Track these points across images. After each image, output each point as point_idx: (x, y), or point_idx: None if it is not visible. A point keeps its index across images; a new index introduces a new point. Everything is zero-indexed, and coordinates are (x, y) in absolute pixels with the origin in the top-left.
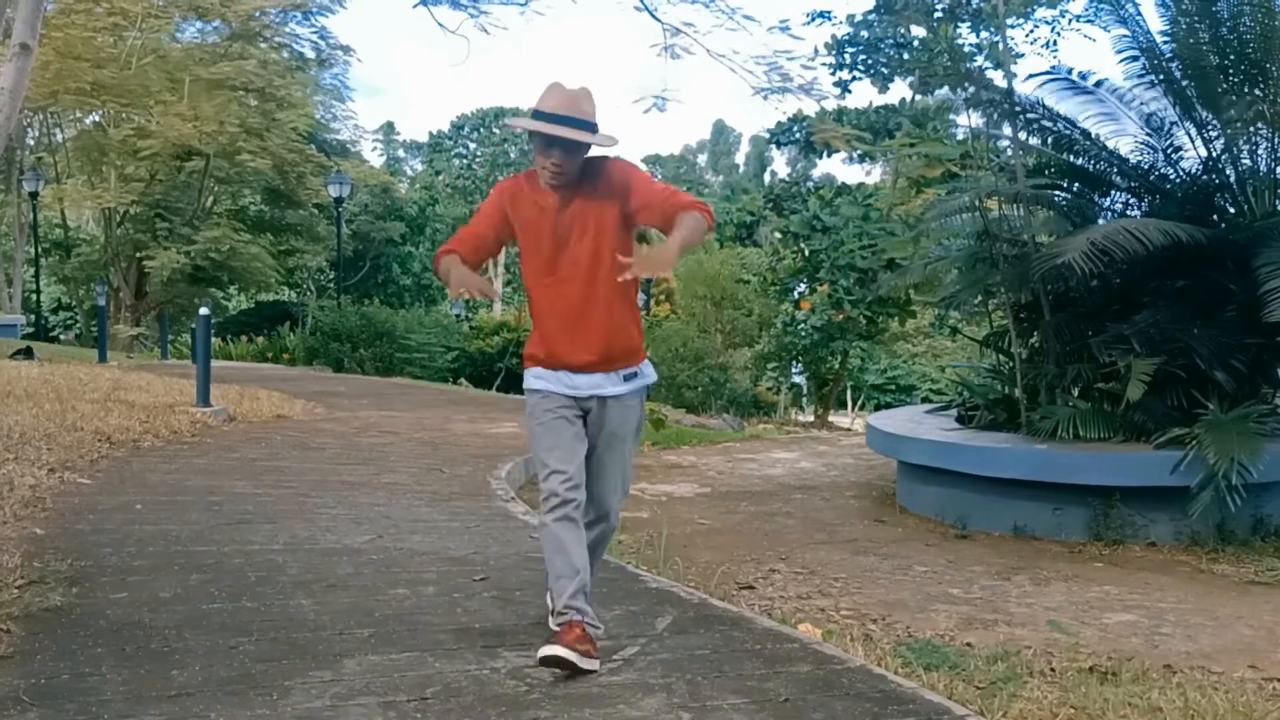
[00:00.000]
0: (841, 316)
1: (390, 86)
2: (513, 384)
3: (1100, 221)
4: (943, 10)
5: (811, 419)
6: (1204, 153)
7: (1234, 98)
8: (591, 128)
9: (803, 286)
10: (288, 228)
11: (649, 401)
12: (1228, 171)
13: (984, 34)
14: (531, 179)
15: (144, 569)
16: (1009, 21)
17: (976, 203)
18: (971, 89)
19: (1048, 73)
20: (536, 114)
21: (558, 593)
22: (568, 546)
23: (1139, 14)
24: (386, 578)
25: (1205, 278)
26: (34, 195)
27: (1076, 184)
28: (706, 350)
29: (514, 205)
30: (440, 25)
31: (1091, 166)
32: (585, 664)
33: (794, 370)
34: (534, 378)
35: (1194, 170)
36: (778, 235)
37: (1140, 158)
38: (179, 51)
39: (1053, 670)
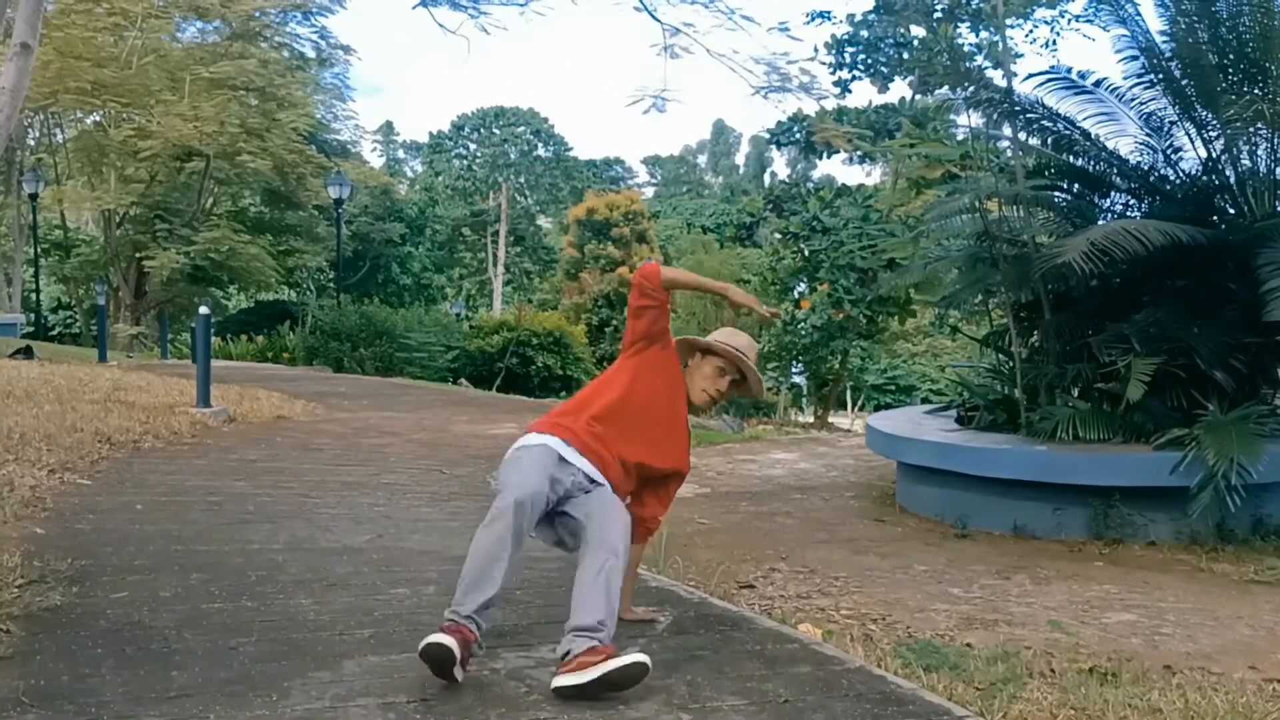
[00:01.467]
0: (841, 315)
1: (390, 86)
2: (513, 384)
3: (1100, 222)
4: (942, 10)
5: (811, 420)
6: (1204, 153)
7: (1233, 97)
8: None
9: (802, 286)
10: (287, 228)
11: None
12: (1227, 172)
13: (983, 33)
14: (675, 358)
15: (144, 569)
16: (1008, 21)
17: (976, 203)
18: (971, 89)
19: (1047, 72)
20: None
21: (454, 604)
22: (478, 563)
23: (1138, 13)
24: (386, 577)
25: (1205, 278)
26: (34, 197)
27: (1076, 185)
28: None
29: (668, 352)
30: (440, 25)
31: (1091, 167)
32: (455, 672)
33: (794, 370)
34: (540, 438)
35: (1194, 171)
36: (777, 236)
37: (1140, 158)
38: (179, 51)
39: (1053, 671)
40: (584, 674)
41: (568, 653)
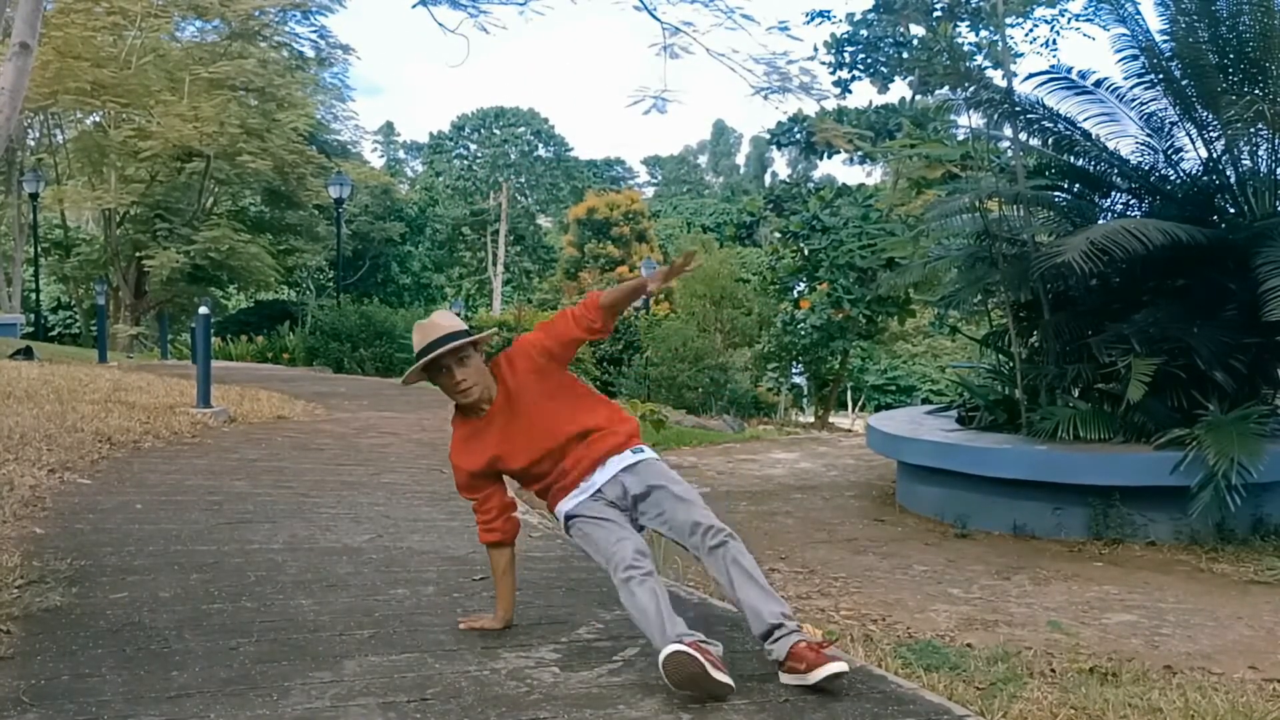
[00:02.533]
0: (841, 315)
1: (390, 86)
2: None
3: (1100, 222)
4: (942, 9)
5: (812, 420)
6: (1204, 153)
7: (1233, 97)
8: (459, 334)
9: (802, 285)
10: (287, 228)
11: (649, 402)
12: (1228, 172)
13: (983, 33)
14: (464, 422)
15: (144, 569)
16: (1008, 20)
17: (977, 203)
18: (971, 89)
19: (1047, 72)
20: (417, 358)
21: (666, 636)
22: (654, 604)
23: (1138, 13)
24: (386, 577)
25: (1205, 277)
26: (34, 196)
27: (1077, 185)
28: (707, 350)
29: (472, 456)
30: (440, 25)
31: (1092, 167)
32: (716, 674)
33: (794, 371)
34: (563, 506)
35: (1194, 171)
36: (777, 235)
37: (1140, 159)
38: (178, 51)
39: (1053, 671)
40: (832, 665)
41: (785, 653)
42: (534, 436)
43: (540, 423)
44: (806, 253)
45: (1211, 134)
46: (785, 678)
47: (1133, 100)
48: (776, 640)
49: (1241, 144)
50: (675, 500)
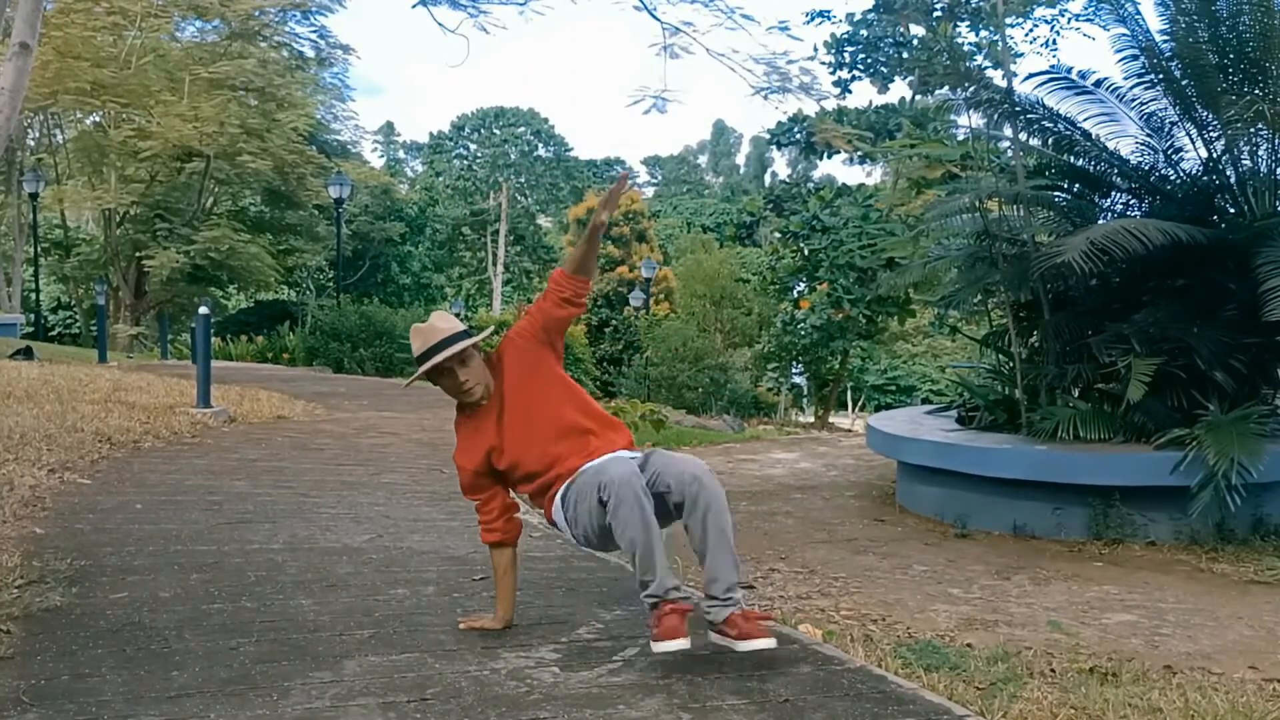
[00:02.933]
0: (841, 315)
1: (390, 86)
2: None
3: (1100, 222)
4: (942, 9)
5: (812, 420)
6: (1204, 153)
7: (1233, 97)
8: (458, 336)
9: (802, 285)
10: (287, 228)
11: (649, 402)
12: (1228, 172)
13: (983, 33)
14: (465, 420)
15: (144, 569)
16: (1008, 20)
17: (977, 203)
18: (971, 89)
19: (1047, 72)
20: (418, 362)
21: (662, 584)
22: (646, 537)
23: (1138, 13)
24: (386, 577)
25: (1205, 277)
26: (34, 196)
27: (1077, 185)
28: (707, 350)
29: (473, 453)
30: (440, 25)
31: (1092, 167)
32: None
33: (794, 371)
34: (559, 495)
35: (1194, 171)
36: (777, 235)
37: (1140, 159)
38: (178, 51)
39: (1053, 671)
40: (759, 641)
41: (722, 618)
42: (525, 425)
43: (529, 412)
44: (806, 253)
45: (1211, 134)
46: (713, 637)
47: (1133, 100)
48: (721, 605)
49: (1241, 144)
50: (672, 458)
